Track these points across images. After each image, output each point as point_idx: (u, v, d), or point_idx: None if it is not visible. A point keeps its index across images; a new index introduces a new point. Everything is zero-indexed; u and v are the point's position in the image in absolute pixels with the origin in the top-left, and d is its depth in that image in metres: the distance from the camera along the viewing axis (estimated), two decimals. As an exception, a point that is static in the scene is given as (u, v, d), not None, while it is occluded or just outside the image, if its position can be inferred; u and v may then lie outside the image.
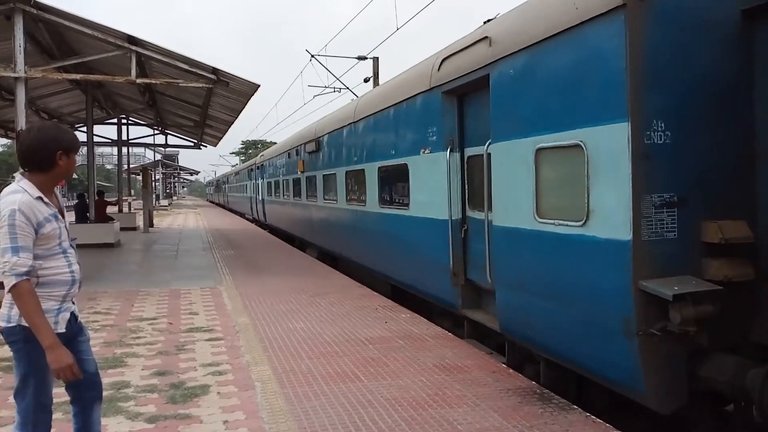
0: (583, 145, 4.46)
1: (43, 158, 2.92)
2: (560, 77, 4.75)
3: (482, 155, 6.12)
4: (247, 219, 32.18)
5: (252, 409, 4.53)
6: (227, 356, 5.98)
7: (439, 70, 6.97)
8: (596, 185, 4.36)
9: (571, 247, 4.65)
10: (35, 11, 10.05)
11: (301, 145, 15.09)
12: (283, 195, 18.89)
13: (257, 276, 11.33)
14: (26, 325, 2.81)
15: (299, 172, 15.28)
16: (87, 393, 3.12)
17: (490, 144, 5.86)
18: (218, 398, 4.79)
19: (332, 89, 23.79)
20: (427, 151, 7.26)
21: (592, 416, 4.37)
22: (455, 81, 6.54)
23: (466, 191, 6.73)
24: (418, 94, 7.49)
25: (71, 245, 3.07)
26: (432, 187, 7.19)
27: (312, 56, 21.89)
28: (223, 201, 56.22)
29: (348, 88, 23.37)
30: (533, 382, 5.13)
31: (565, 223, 4.70)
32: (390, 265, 9.00)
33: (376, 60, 22.06)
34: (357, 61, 22.19)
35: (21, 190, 2.85)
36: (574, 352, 4.75)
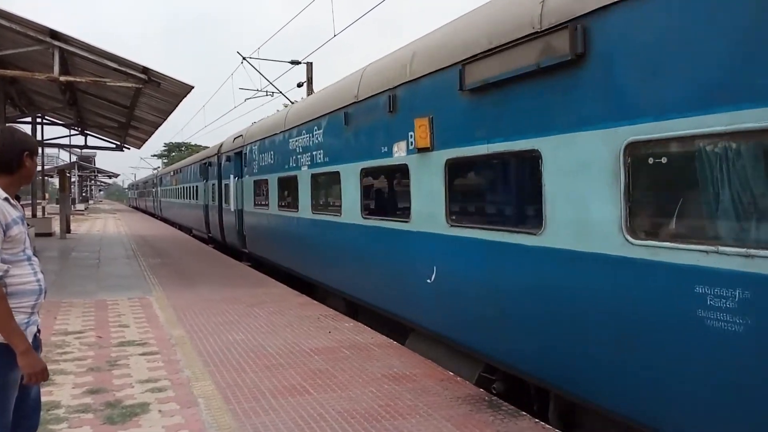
0: None
1: (13, 159, 2.81)
2: None
3: None
4: (195, 236, 22.94)
5: (198, 428, 4.32)
6: (165, 371, 5.69)
7: None
8: None
9: None
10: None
11: (416, 80, 6.12)
12: (301, 207, 9.91)
13: (188, 285, 10.90)
14: (1, 340, 2.61)
15: (408, 152, 6.28)
16: (26, 421, 2.86)
17: None
18: (160, 417, 4.54)
19: (264, 93, 23.41)
20: None
21: (542, 422, 4.47)
22: None
23: None
24: None
25: (35, 253, 2.88)
26: None
27: (243, 58, 21.45)
28: (152, 207, 45.12)
29: (281, 92, 23.10)
30: (482, 390, 5.19)
31: None
32: None
33: (310, 65, 21.90)
34: (290, 65, 21.96)
35: None
36: None
